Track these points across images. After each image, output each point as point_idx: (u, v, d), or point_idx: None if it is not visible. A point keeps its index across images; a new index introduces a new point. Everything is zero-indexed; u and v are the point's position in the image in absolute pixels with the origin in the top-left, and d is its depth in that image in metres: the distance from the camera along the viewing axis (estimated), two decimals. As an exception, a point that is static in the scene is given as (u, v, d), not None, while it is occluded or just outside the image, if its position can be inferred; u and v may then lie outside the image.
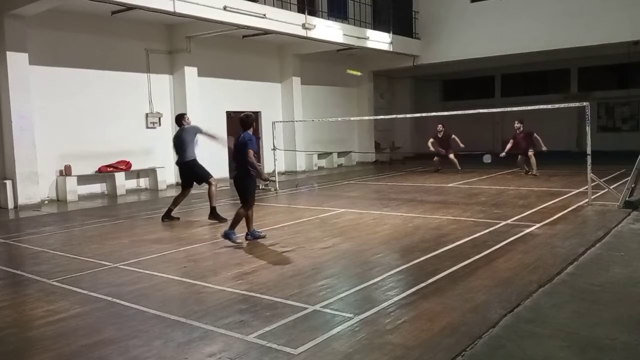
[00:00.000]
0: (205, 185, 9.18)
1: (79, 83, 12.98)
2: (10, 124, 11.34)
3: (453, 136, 15.96)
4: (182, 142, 9.05)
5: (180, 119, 9.44)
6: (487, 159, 14.99)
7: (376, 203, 10.72)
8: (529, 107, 11.11)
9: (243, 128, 7.14)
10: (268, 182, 7.45)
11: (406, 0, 20.68)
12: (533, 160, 14.04)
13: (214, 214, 8.89)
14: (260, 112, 17.66)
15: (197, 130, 9.27)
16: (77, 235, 8.44)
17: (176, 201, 9.29)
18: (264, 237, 7.34)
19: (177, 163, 9.43)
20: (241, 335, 3.93)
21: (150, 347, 3.80)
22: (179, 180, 9.38)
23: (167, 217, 9.18)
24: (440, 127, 16.13)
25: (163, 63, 14.91)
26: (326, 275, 5.52)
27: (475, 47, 18.98)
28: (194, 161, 9.11)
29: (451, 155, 15.76)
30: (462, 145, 15.72)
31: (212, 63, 15.81)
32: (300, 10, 15.89)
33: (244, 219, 7.12)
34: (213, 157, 15.69)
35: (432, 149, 16.17)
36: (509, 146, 14.29)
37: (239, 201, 7.34)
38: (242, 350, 3.69)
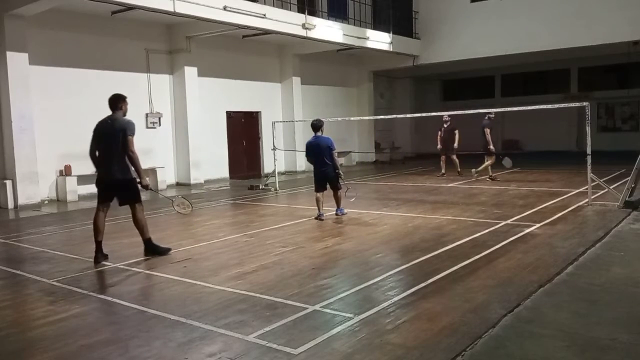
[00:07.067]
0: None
1: (78, 83, 12.97)
2: (10, 124, 11.34)
3: (456, 131, 14.77)
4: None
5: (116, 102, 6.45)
6: (507, 162, 14.07)
7: (376, 203, 10.71)
8: (529, 107, 11.15)
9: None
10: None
11: (406, 0, 20.68)
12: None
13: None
14: (260, 112, 17.69)
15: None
16: (77, 235, 8.43)
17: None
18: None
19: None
20: (241, 335, 3.92)
21: (150, 347, 3.80)
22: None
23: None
24: (446, 117, 14.73)
25: (163, 63, 14.90)
26: (326, 275, 5.52)
27: (475, 47, 18.97)
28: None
29: (453, 156, 14.88)
30: (456, 145, 14.72)
31: (212, 63, 15.80)
32: (300, 10, 15.89)
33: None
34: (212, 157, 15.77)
35: (439, 143, 15.15)
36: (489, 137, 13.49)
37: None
38: (242, 350, 3.69)
